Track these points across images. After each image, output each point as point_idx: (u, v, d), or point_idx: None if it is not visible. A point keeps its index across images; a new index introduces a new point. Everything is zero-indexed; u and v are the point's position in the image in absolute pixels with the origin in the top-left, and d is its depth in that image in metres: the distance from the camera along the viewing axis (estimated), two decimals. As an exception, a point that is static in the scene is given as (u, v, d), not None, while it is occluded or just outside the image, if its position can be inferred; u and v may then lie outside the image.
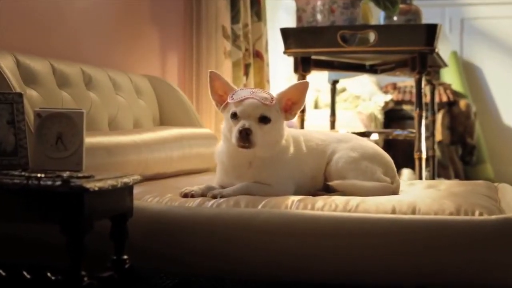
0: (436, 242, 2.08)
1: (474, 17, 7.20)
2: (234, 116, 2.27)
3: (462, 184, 2.93)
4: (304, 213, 2.17)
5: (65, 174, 1.87)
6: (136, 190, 2.32)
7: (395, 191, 2.50)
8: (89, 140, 2.47)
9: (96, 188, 1.82)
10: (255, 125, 2.25)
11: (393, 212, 2.14)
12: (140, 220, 2.20)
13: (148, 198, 2.34)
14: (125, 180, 1.99)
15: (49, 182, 1.80)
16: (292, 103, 2.33)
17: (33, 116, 2.05)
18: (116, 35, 3.62)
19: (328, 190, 2.48)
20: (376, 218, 2.12)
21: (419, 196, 2.38)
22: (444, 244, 2.08)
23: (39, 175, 1.83)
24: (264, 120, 2.27)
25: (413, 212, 2.13)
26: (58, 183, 1.79)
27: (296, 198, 2.26)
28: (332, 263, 2.14)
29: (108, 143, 2.64)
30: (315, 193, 2.41)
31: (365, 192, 2.36)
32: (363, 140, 2.65)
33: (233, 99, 2.29)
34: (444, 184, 2.89)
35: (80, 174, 1.90)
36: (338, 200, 2.23)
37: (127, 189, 2.06)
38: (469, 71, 7.20)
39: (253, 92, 2.30)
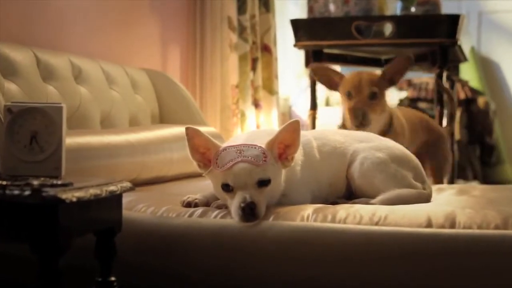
0: (482, 262, 1.77)
1: (492, 11, 6.98)
2: (227, 186, 1.91)
3: (497, 189, 2.70)
4: (323, 226, 1.87)
5: (37, 181, 1.55)
6: (128, 198, 2.06)
7: (428, 199, 2.22)
8: (75, 140, 2.29)
9: (74, 199, 1.51)
10: (256, 193, 1.88)
11: (429, 225, 1.83)
12: (131, 234, 1.93)
13: (141, 208, 2.05)
14: (112, 188, 1.68)
15: (16, 192, 1.49)
16: (285, 146, 1.97)
17: (3, 112, 1.74)
18: (111, 23, 3.42)
19: (350, 197, 2.19)
20: (409, 232, 1.82)
21: (454, 204, 2.08)
22: (490, 263, 1.77)
23: (4, 182, 1.52)
24: (262, 182, 1.91)
25: (452, 226, 1.82)
26: (27, 192, 1.48)
27: (313, 207, 1.96)
28: (356, 284, 1.83)
29: (98, 144, 2.42)
30: (334, 202, 2.10)
31: (407, 202, 2.07)
32: (387, 140, 2.38)
33: (218, 166, 1.91)
34: (476, 190, 2.63)
35: (57, 182, 1.58)
36: (362, 210, 1.93)
37: (114, 199, 1.75)
38: (487, 67, 6.98)
39: (240, 152, 1.91)
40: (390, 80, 3.08)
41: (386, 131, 3.03)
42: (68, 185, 1.57)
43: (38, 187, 1.50)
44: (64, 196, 1.48)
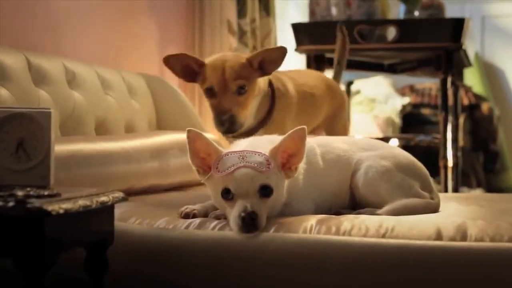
0: (495, 276, 1.67)
1: (496, 15, 6.91)
2: (227, 194, 1.81)
3: (505, 199, 2.62)
4: (327, 238, 1.77)
5: (22, 192, 1.45)
6: (122, 209, 1.97)
7: (436, 209, 2.12)
8: (68, 147, 2.20)
9: (61, 211, 1.41)
10: (257, 202, 1.79)
11: (439, 237, 1.73)
12: (125, 247, 1.84)
13: (136, 219, 1.95)
14: (103, 199, 1.59)
15: (0, 203, 1.38)
16: (288, 156, 1.88)
17: (-12, 118, 1.65)
18: (107, 26, 3.34)
19: (354, 207, 2.09)
20: (418, 245, 1.72)
21: (464, 215, 1.98)
22: (504, 277, 1.66)
23: (-14, 193, 1.42)
24: (264, 191, 1.81)
25: (464, 238, 1.73)
26: (11, 204, 1.38)
27: (316, 218, 1.86)
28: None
29: (92, 151, 2.34)
30: (338, 212, 2.01)
31: (414, 212, 1.98)
32: (393, 147, 2.31)
33: (219, 170, 1.82)
34: (483, 199, 2.55)
35: (43, 192, 1.49)
36: (368, 221, 1.83)
37: (106, 210, 1.66)
38: (490, 72, 6.90)
39: (243, 157, 1.82)
40: (261, 69, 2.43)
41: (269, 112, 2.52)
42: (56, 196, 1.47)
43: (23, 198, 1.40)
44: (50, 207, 1.39)
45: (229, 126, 2.34)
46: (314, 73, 3.01)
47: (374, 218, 1.86)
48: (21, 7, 2.72)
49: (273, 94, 2.53)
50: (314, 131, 2.74)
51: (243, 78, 2.37)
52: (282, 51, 2.40)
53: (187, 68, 2.41)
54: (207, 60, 2.43)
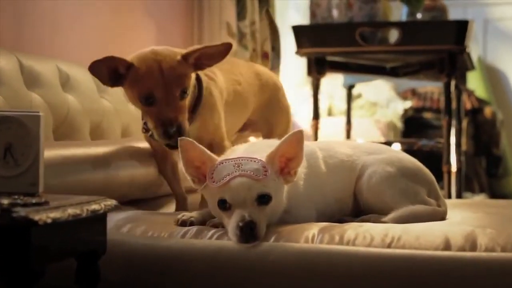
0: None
1: (499, 18, 6.87)
2: (223, 204, 1.75)
3: (510, 205, 2.56)
4: (330, 248, 1.70)
5: (7, 200, 1.38)
6: (116, 217, 1.92)
7: (443, 216, 2.05)
8: (60, 152, 2.12)
9: (49, 220, 1.34)
10: (256, 211, 1.73)
11: (447, 247, 1.67)
12: (118, 257, 1.78)
13: (130, 228, 1.89)
14: (94, 207, 1.51)
15: (-17, 212, 1.32)
16: (287, 160, 1.81)
17: (-26, 122, 1.57)
18: (103, 28, 3.28)
19: (358, 215, 2.02)
20: (426, 256, 1.65)
21: (471, 223, 1.90)
22: (516, 290, 1.60)
23: (-31, 202, 1.35)
24: (263, 199, 1.75)
25: (473, 248, 1.66)
26: (-5, 213, 1.31)
27: (319, 227, 1.79)
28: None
29: (85, 156, 2.23)
30: (341, 219, 1.94)
31: (421, 219, 1.91)
32: (399, 152, 2.25)
33: (214, 181, 1.76)
34: (489, 205, 2.49)
35: (30, 200, 1.41)
36: (373, 230, 1.76)
37: (98, 219, 1.58)
38: (493, 76, 6.86)
39: (238, 165, 1.75)
40: (196, 65, 2.17)
41: (194, 111, 2.25)
42: (43, 204, 1.40)
43: (8, 207, 1.33)
44: (37, 217, 1.32)
45: (177, 138, 1.98)
46: (241, 62, 2.80)
47: (379, 226, 1.80)
48: (13, 7, 2.66)
49: (199, 89, 2.28)
50: (247, 127, 2.63)
51: (184, 80, 2.13)
52: (226, 47, 2.18)
53: (113, 71, 2.13)
54: (134, 59, 2.14)
